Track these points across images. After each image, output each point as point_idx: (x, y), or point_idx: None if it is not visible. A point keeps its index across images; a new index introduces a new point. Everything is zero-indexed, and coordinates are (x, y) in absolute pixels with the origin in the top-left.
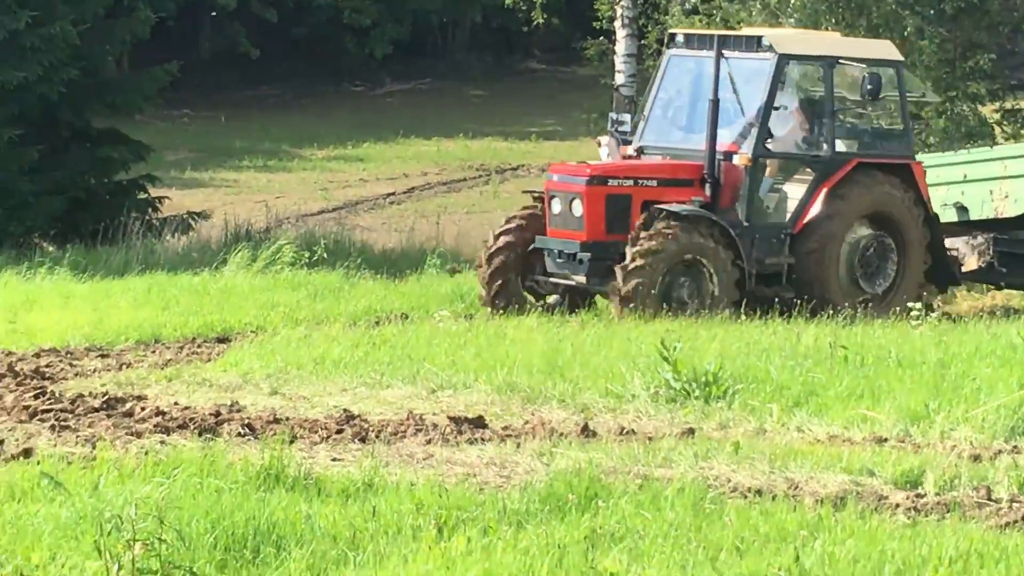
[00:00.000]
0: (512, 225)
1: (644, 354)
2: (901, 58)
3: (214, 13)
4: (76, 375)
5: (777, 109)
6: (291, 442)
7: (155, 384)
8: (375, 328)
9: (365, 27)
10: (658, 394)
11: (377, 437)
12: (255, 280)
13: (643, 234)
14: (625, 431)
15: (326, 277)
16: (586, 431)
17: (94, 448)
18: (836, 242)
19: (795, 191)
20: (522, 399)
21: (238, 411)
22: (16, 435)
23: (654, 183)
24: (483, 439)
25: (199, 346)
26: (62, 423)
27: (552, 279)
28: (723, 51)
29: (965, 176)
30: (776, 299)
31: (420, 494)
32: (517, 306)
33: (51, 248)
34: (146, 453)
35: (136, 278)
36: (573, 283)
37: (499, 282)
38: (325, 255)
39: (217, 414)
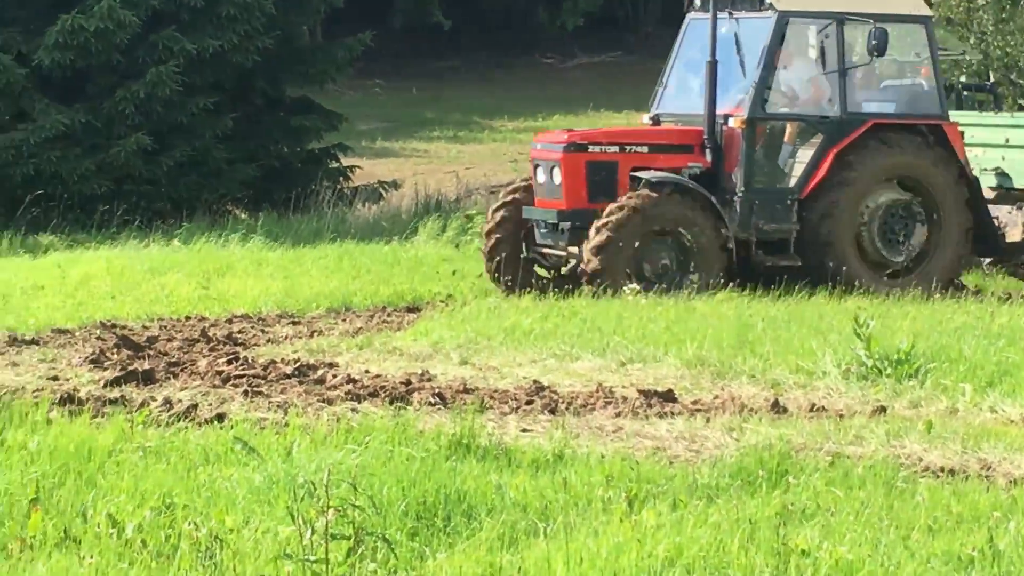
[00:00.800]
0: (508, 199)
1: (835, 330)
2: (928, 13)
3: None
4: (268, 341)
5: (786, 69)
6: (481, 412)
7: (346, 352)
8: (565, 300)
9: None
10: (849, 371)
11: (567, 409)
12: (445, 250)
13: (611, 205)
14: (815, 408)
15: None
16: (776, 407)
17: (286, 414)
18: (847, 208)
19: (807, 156)
20: (712, 374)
21: (428, 380)
22: (209, 400)
23: (644, 149)
24: (672, 413)
25: (389, 315)
26: (255, 389)
27: (544, 250)
28: (732, 11)
29: (1007, 140)
30: (783, 270)
31: (610, 467)
32: (523, 279)
33: (244, 215)
34: (337, 420)
35: (327, 246)
36: (563, 254)
37: (498, 258)
38: None
39: (408, 383)
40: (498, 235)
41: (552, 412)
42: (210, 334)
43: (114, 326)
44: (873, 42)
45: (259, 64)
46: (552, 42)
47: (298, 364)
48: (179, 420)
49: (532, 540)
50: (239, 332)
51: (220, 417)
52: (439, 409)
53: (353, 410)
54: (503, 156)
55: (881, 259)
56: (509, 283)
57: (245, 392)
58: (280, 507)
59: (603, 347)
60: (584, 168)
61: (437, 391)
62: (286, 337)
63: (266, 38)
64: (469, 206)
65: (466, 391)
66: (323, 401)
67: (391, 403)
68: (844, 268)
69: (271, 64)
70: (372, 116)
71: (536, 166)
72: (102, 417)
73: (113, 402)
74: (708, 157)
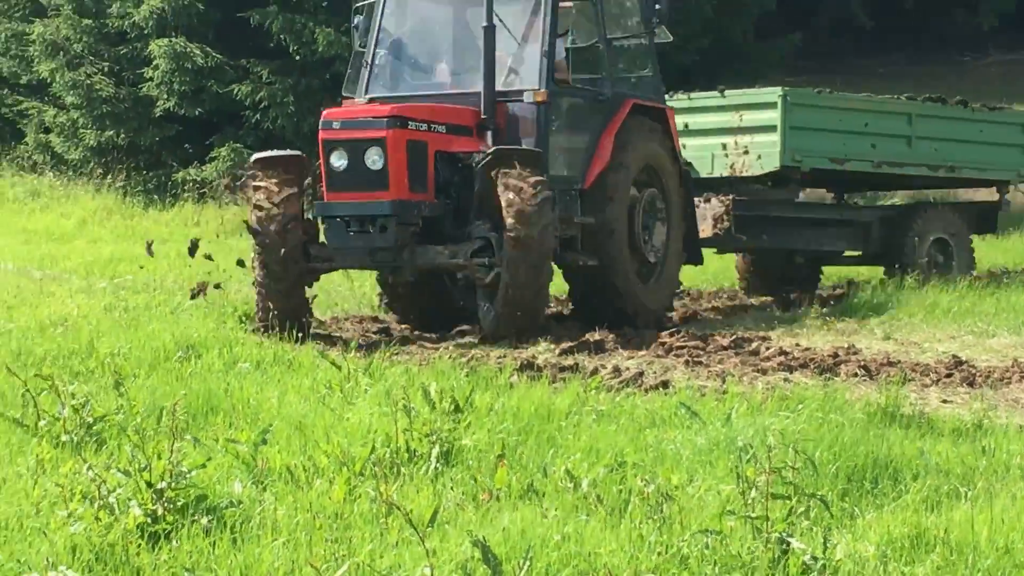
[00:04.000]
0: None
1: None
2: None
3: None
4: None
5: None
6: (903, 384)
7: (778, 327)
8: (980, 280)
9: (972, 1)
10: None
11: (984, 382)
12: None
13: None
14: None
15: None
16: None
17: (724, 382)
18: (623, 200)
19: (580, 141)
20: None
21: (855, 353)
22: (654, 368)
23: (443, 129)
24: None
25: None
26: (695, 359)
27: (338, 252)
28: None
29: (686, 126)
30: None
31: None
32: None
33: None
34: (772, 389)
35: None
36: (369, 259)
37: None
38: None
39: (835, 356)
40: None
41: (970, 385)
42: None
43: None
44: (657, 7)
45: (697, 62)
46: (968, 41)
47: (734, 337)
48: (627, 386)
49: (955, 503)
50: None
51: (664, 384)
52: (864, 381)
53: (785, 380)
54: None
55: (641, 260)
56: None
57: (686, 362)
58: (721, 467)
59: (1019, 325)
60: (406, 149)
61: (863, 364)
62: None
63: (704, 39)
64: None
65: (890, 364)
66: (757, 371)
67: (820, 374)
68: (618, 269)
69: (709, 62)
70: None
71: (332, 150)
72: (559, 382)
73: (567, 369)
74: (489, 141)
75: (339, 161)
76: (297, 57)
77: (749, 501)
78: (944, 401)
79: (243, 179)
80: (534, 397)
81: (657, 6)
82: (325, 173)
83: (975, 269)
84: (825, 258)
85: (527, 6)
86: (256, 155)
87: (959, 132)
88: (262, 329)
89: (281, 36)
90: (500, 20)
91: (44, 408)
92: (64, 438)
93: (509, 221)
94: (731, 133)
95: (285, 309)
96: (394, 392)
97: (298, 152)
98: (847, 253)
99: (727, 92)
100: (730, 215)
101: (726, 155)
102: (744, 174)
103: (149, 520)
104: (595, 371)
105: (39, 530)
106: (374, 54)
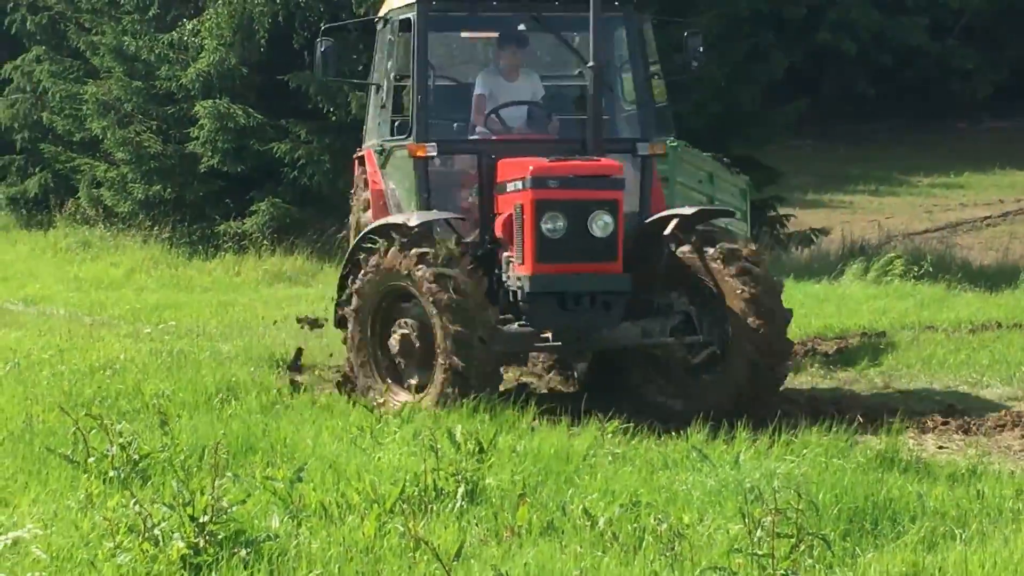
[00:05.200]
0: None
1: None
2: None
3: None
4: None
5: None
6: (902, 431)
7: None
8: (974, 334)
9: (968, 71)
10: None
11: (978, 430)
12: (868, 289)
13: None
14: None
15: (930, 289)
16: None
17: (733, 428)
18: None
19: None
20: None
21: (855, 400)
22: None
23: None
24: None
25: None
26: None
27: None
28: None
29: None
30: None
31: (1020, 481)
32: None
33: None
34: (777, 434)
35: None
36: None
37: None
38: (930, 269)
39: (837, 402)
40: None
41: (965, 432)
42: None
43: None
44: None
45: (707, 127)
46: (964, 109)
47: None
48: (642, 431)
49: (950, 544)
50: None
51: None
52: (865, 427)
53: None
54: (918, 207)
55: None
56: None
57: None
58: (730, 508)
59: (1010, 376)
60: None
61: (862, 411)
62: None
63: (717, 104)
64: (889, 250)
65: (888, 412)
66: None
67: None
68: None
69: (720, 127)
70: (803, 172)
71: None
72: (577, 426)
73: (586, 413)
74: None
75: (555, 225)
76: (332, 118)
77: (756, 540)
78: (940, 447)
79: (317, 321)
80: (553, 440)
81: (700, 49)
82: (534, 239)
83: None
84: None
85: (615, 33)
86: (414, 218)
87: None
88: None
89: (317, 98)
90: (575, 51)
91: (93, 446)
92: (112, 474)
93: (742, 308)
94: None
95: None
96: (422, 434)
97: (459, 215)
98: None
99: None
100: None
101: None
102: None
103: (191, 552)
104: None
105: (88, 561)
106: (423, 90)
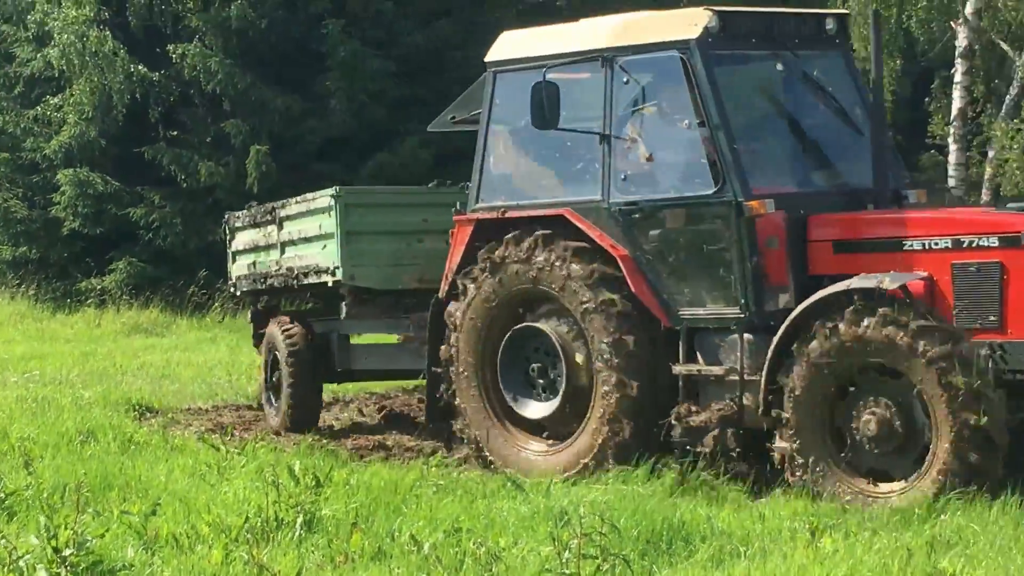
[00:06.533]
0: None
1: None
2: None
3: None
4: None
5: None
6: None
7: None
8: None
9: None
10: None
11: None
12: None
13: None
14: None
15: None
16: None
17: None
18: None
19: None
20: None
21: None
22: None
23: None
24: None
25: None
26: None
27: None
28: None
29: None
30: None
31: (795, 505)
32: None
33: None
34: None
35: None
36: None
37: None
38: None
39: None
40: None
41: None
42: None
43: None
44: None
45: None
46: None
47: None
48: (462, 464)
49: (736, 561)
50: None
51: (492, 463)
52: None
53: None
54: None
55: None
56: None
57: None
58: (542, 532)
59: None
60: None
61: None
62: None
63: None
64: None
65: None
66: None
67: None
68: None
69: None
70: None
71: None
72: (405, 461)
73: (411, 449)
74: None
75: None
76: (184, 185)
77: (564, 561)
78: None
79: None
80: (384, 474)
81: None
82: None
83: None
84: None
85: (835, 64)
86: (888, 279)
87: None
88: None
89: (170, 167)
90: (828, 93)
91: None
92: None
93: None
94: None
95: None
96: (265, 470)
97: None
98: None
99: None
100: None
101: None
102: None
103: None
104: (434, 451)
105: None
106: (728, 137)
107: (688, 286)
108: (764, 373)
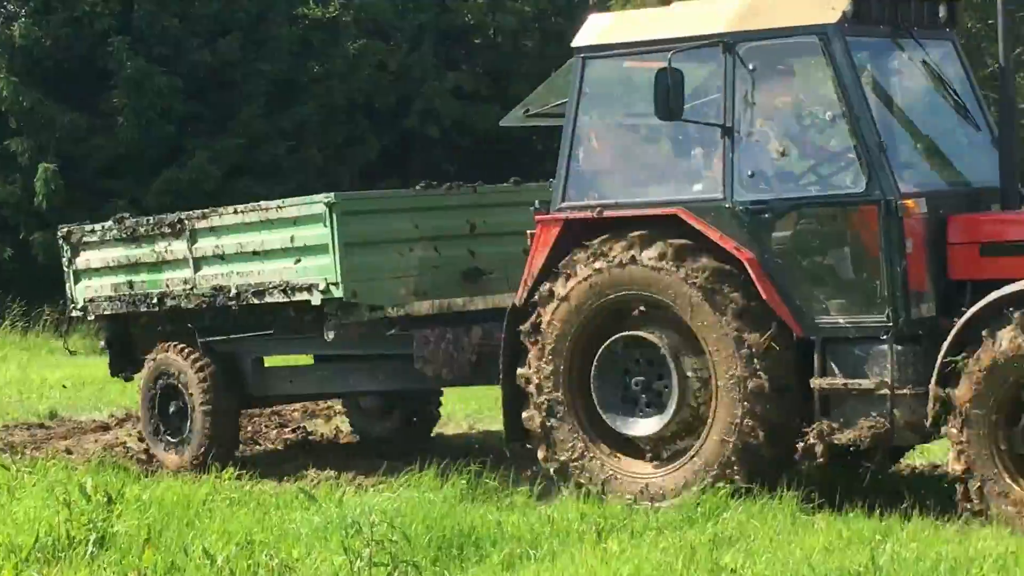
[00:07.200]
0: None
1: None
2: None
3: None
4: None
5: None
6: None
7: None
8: None
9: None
10: None
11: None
12: None
13: None
14: None
15: None
16: None
17: (339, 475)
18: None
19: None
20: None
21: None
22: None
23: None
24: None
25: None
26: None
27: None
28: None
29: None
30: None
31: (582, 506)
32: None
33: None
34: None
35: None
36: None
37: None
38: None
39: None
40: None
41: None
42: None
43: None
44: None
45: None
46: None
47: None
48: (255, 477)
49: (527, 564)
50: None
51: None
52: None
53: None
54: None
55: None
56: None
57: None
58: (334, 541)
59: None
60: None
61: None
62: None
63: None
64: None
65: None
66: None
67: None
68: None
69: None
70: None
71: None
72: (198, 476)
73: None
74: None
75: None
76: None
77: (356, 569)
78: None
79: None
80: (176, 489)
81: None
82: None
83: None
84: None
85: (949, 53)
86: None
87: None
88: None
89: None
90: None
91: None
92: None
93: None
94: None
95: None
96: (56, 488)
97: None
98: None
99: None
100: None
101: None
102: None
103: None
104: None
105: None
106: (870, 129)
107: (825, 292)
108: (932, 386)
